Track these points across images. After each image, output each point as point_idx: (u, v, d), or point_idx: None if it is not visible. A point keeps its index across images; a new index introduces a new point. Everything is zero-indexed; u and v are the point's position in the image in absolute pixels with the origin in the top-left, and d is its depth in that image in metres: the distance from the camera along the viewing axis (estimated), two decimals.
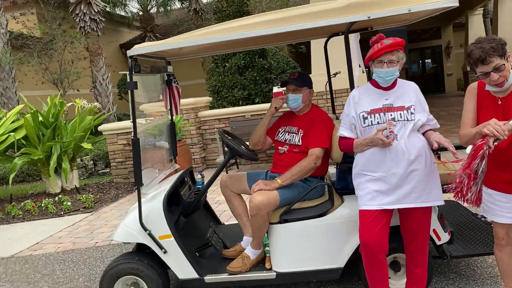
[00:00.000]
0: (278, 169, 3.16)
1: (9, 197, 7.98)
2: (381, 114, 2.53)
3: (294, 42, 4.32)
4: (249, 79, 10.02)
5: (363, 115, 2.56)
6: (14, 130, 7.35)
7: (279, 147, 3.21)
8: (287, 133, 3.20)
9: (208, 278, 3.02)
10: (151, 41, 19.69)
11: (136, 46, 2.97)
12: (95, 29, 13.48)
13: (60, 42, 13.18)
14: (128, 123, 7.98)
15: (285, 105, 3.19)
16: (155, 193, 3.25)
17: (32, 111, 7.33)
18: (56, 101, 7.78)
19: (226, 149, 7.65)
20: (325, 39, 4.00)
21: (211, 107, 10.13)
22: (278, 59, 11.66)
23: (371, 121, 2.54)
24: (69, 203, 6.72)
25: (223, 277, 3.02)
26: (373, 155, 2.53)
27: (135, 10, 20.69)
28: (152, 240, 3.02)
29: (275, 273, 2.98)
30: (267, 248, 3.19)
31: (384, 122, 2.50)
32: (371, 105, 2.57)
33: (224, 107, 10.03)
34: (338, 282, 3.27)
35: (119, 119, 14.25)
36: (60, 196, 7.17)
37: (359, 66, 5.78)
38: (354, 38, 4.75)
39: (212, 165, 8.82)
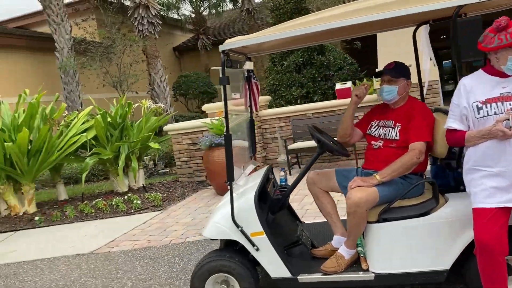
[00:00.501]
0: (372, 165, 3.02)
1: (79, 196, 8.31)
2: (499, 103, 2.32)
3: (372, 33, 4.15)
4: (308, 77, 9.89)
5: (476, 105, 2.37)
6: (84, 131, 7.62)
7: (373, 142, 3.06)
8: (381, 128, 3.05)
9: (302, 278, 2.92)
10: (203, 43, 20.02)
11: (228, 41, 2.92)
12: (152, 32, 13.84)
13: (119, 46, 13.62)
14: (192, 123, 8.07)
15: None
16: (243, 190, 3.20)
17: (101, 112, 7.57)
18: (123, 102, 8.01)
19: (289, 148, 7.57)
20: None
21: (269, 106, 10.08)
22: (335, 55, 11.43)
23: (487, 111, 2.34)
24: (138, 202, 6.87)
25: (317, 277, 2.92)
26: (490, 149, 2.33)
27: (187, 13, 21.04)
28: (244, 237, 2.96)
29: (373, 275, 2.83)
30: (359, 248, 3.05)
31: (502, 112, 2.29)
32: (485, 94, 2.37)
33: (282, 106, 9.95)
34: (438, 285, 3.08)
35: (176, 120, 14.52)
36: (129, 194, 7.35)
37: (430, 59, 5.51)
38: (424, 30, 4.51)
39: (272, 164, 8.74)
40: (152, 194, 7.16)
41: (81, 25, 14.67)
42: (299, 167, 8.31)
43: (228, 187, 3.00)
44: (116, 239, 5.51)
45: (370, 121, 3.16)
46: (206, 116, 16.86)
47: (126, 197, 7.25)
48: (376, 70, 3.16)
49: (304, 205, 5.68)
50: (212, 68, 12.89)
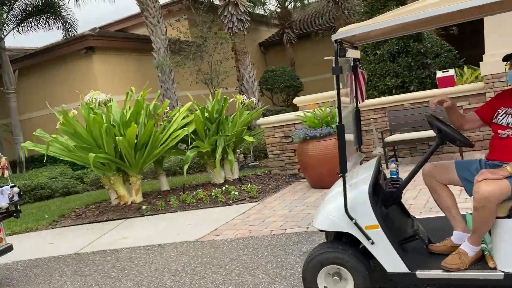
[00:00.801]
0: (499, 156, 2.79)
1: (178, 187, 8.80)
2: None
3: (482, 16, 3.81)
4: (403, 66, 9.43)
5: None
6: (184, 126, 8.03)
7: (499, 131, 2.83)
8: (510, 116, 2.80)
9: (420, 273, 2.80)
10: (289, 37, 20.04)
11: (341, 29, 2.88)
12: (241, 29, 14.14)
13: (211, 44, 14.13)
14: (284, 117, 8.13)
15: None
16: (355, 182, 3.14)
17: (200, 107, 7.92)
18: (219, 98, 8.30)
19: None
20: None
21: None
22: (432, 42, 10.76)
23: None
24: (236, 193, 7.09)
25: (438, 273, 2.77)
26: None
27: (273, 8, 21.20)
28: (358, 230, 2.91)
29: (502, 274, 2.62)
30: (483, 245, 2.84)
31: None
32: None
33: (375, 97, 9.60)
34: None
35: (263, 115, 14.74)
36: (226, 186, 7.61)
37: None
38: None
39: (367, 158, 8.50)
40: (248, 186, 7.35)
41: (174, 25, 15.47)
42: (396, 160, 7.99)
43: (341, 178, 2.94)
44: (218, 228, 5.74)
45: (496, 108, 2.92)
46: (292, 110, 16.94)
47: (223, 188, 7.51)
48: (504, 55, 2.90)
49: (417, 199, 5.45)
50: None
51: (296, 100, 8.56)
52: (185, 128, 7.68)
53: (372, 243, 2.89)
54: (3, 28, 13.43)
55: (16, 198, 5.00)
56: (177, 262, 4.71)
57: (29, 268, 5.46)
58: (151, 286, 4.19)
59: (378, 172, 3.36)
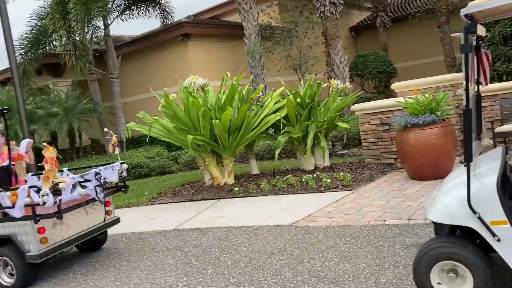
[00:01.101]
0: None
1: (267, 171, 8.85)
2: None
3: None
4: None
5: None
6: (276, 111, 8.01)
7: None
8: None
9: None
10: (382, 20, 19.14)
11: (472, 3, 2.60)
12: (334, 12, 13.77)
13: (301, 29, 13.94)
14: (382, 103, 7.77)
15: None
16: (478, 173, 2.85)
17: (292, 92, 7.84)
18: (311, 83, 8.15)
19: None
20: None
21: None
22: None
23: None
24: (328, 180, 6.94)
25: None
26: None
27: None
28: (482, 225, 2.65)
29: None
30: None
31: None
32: None
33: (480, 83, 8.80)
34: None
35: (363, 101, 14.27)
36: (317, 173, 7.49)
37: None
38: None
39: None
40: (340, 174, 7.16)
41: (265, 11, 15.49)
42: (507, 153, 7.25)
43: (465, 168, 2.69)
44: (311, 214, 5.66)
45: None
46: (383, 97, 16.20)
47: (314, 175, 7.40)
48: None
49: None
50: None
51: (395, 86, 8.11)
52: (277, 113, 7.66)
53: (498, 240, 2.61)
54: (108, 16, 14.43)
55: (124, 174, 5.35)
56: (272, 245, 4.73)
57: (133, 241, 5.85)
58: (249, 266, 4.24)
59: (505, 163, 3.04)
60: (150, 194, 8.48)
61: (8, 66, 10.64)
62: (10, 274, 4.67)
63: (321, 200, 6.31)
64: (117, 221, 5.61)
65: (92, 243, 5.60)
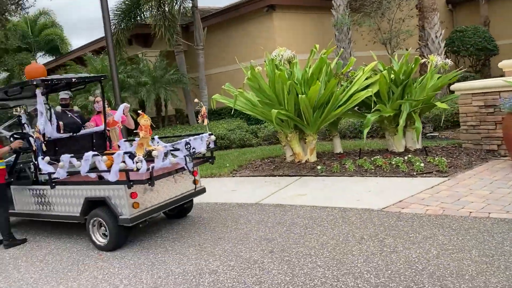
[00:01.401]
0: None
1: (351, 150, 8.49)
2: None
3: None
4: None
5: None
6: (366, 87, 7.55)
7: None
8: None
9: None
10: None
11: None
12: None
13: (394, 0, 13.01)
14: (488, 82, 6.99)
15: None
16: None
17: (386, 68, 7.32)
18: (407, 58, 7.54)
19: None
20: None
21: None
22: None
23: None
24: (421, 164, 6.44)
25: None
26: None
27: None
28: None
29: None
30: None
31: None
32: None
33: None
34: None
35: (457, 80, 13.19)
36: (409, 155, 7.00)
37: None
38: None
39: None
40: (435, 158, 6.62)
41: None
42: None
43: None
44: (403, 200, 5.28)
45: None
46: (480, 77, 14.77)
47: (405, 158, 6.92)
48: None
49: None
50: None
51: (503, 64, 7.26)
52: (369, 89, 7.21)
53: None
54: None
55: (212, 145, 5.35)
56: (361, 230, 4.47)
57: (217, 211, 5.89)
58: (336, 250, 4.05)
59: None
60: (231, 166, 8.54)
61: (102, 35, 11.18)
62: (104, 234, 4.92)
63: (413, 185, 5.87)
64: (203, 190, 5.68)
65: (178, 211, 5.74)
